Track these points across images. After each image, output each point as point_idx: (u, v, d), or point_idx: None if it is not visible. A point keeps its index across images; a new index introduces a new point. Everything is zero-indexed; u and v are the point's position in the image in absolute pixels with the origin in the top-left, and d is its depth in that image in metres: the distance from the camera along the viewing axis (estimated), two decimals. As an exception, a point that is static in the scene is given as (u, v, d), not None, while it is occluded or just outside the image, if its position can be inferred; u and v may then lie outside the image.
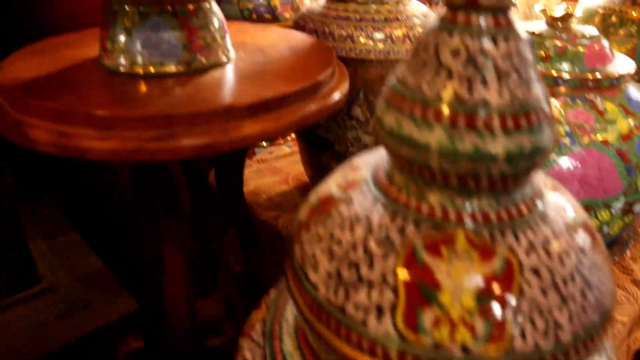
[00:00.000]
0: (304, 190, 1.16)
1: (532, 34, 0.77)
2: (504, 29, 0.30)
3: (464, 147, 0.29)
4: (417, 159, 0.31)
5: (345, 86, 0.74)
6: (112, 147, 0.57)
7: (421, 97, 0.30)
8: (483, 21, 0.30)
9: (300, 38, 0.84)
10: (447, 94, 0.29)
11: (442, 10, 0.32)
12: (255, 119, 0.60)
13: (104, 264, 1.01)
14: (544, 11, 0.78)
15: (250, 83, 0.65)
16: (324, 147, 1.00)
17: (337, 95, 0.70)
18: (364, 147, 0.99)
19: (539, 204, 0.34)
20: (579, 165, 0.68)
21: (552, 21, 0.77)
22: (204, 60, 0.69)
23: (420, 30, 0.94)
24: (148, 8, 0.65)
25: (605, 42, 0.77)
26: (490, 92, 0.29)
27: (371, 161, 0.38)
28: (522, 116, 0.29)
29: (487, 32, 0.30)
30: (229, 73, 0.68)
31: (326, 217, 0.34)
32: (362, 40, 0.91)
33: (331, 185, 0.37)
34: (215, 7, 0.71)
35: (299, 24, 0.99)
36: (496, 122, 0.29)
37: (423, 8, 1.00)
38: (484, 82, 0.29)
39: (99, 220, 1.11)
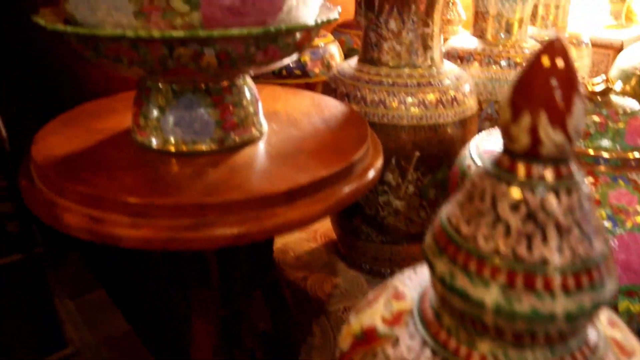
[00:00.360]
0: (332, 248, 1.15)
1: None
2: (566, 181, 0.28)
3: (521, 308, 0.27)
4: (469, 312, 0.29)
5: (379, 162, 0.72)
6: (144, 235, 0.56)
7: (477, 251, 0.29)
8: (544, 172, 0.28)
9: (333, 107, 0.83)
10: (505, 250, 0.28)
11: (500, 157, 0.31)
12: (291, 205, 0.58)
13: (129, 325, 1.00)
14: (583, 84, 0.76)
15: (284, 164, 0.64)
16: (354, 210, 0.99)
17: (371, 174, 0.69)
18: (395, 211, 0.97)
19: (597, 348, 0.32)
20: (622, 251, 0.65)
21: (591, 95, 0.76)
22: (237, 138, 0.68)
23: (452, 94, 0.93)
24: (182, 86, 0.65)
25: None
26: (551, 251, 0.27)
27: (416, 285, 0.37)
28: (583, 274, 0.28)
29: (548, 185, 0.28)
30: (262, 152, 0.67)
31: (371, 358, 0.33)
32: (394, 105, 0.90)
33: (375, 316, 0.35)
34: (249, 81, 0.70)
35: (330, 87, 0.98)
36: (556, 283, 0.27)
37: (456, 70, 0.99)
38: (544, 240, 0.28)
39: (127, 280, 1.10)
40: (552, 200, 0.28)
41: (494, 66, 1.18)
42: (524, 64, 1.13)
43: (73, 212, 0.58)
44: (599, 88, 0.75)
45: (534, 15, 1.47)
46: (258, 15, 0.56)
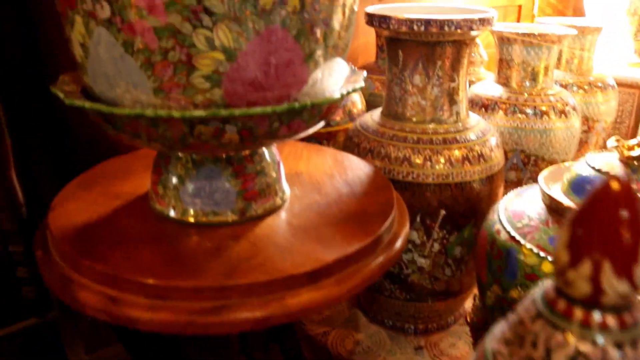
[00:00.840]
0: (354, 303, 1.12)
1: (604, 173, 0.72)
2: (630, 331, 0.26)
3: None
4: None
5: (406, 229, 0.70)
6: (162, 319, 0.53)
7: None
8: (606, 321, 0.25)
9: (356, 168, 0.81)
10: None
11: (554, 298, 0.28)
12: (315, 286, 0.56)
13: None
14: (618, 147, 0.74)
15: (307, 238, 0.62)
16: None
17: (399, 243, 0.66)
18: (419, 269, 0.94)
19: None
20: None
21: (626, 159, 0.73)
22: (259, 208, 0.66)
23: (479, 149, 0.90)
24: (202, 155, 0.63)
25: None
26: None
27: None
28: None
29: (611, 335, 0.25)
30: (284, 223, 0.65)
31: None
32: (419, 162, 0.88)
33: None
34: (273, 148, 0.68)
35: (353, 141, 0.96)
36: None
37: (482, 123, 0.97)
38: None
39: (144, 333, 1.08)
40: (614, 353, 0.25)
41: (519, 115, 1.15)
42: (550, 114, 1.10)
43: (89, 290, 0.56)
44: (635, 153, 0.72)
45: (558, 58, 1.45)
46: (282, 89, 0.54)
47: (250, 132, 0.54)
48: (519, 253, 0.70)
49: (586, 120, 1.42)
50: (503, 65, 1.21)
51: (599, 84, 1.45)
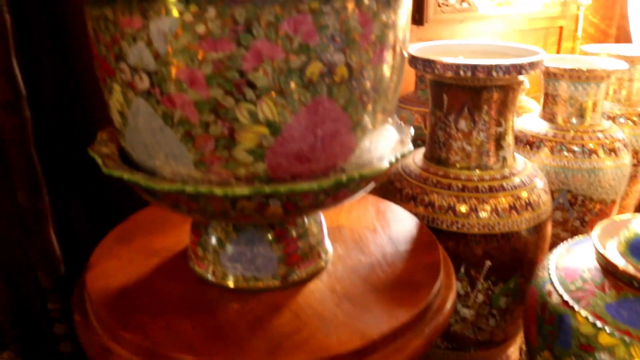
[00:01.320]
0: None
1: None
2: None
3: None
4: None
5: (454, 291, 0.66)
6: (202, 398, 0.51)
7: None
8: None
9: (399, 220, 0.78)
10: None
11: None
12: (361, 364, 0.53)
13: None
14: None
15: (352, 307, 0.59)
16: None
17: (448, 306, 0.63)
18: (462, 319, 0.90)
19: None
20: None
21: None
22: (301, 272, 0.63)
23: (526, 197, 0.87)
24: (243, 219, 0.60)
25: None
26: None
27: None
28: None
29: None
30: (327, 290, 0.62)
31: None
32: (464, 212, 0.84)
33: None
34: (315, 209, 0.65)
35: (395, 186, 0.93)
36: None
37: (529, 167, 0.93)
38: None
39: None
40: None
41: (566, 153, 1.11)
42: (599, 152, 1.06)
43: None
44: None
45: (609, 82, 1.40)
46: (328, 160, 0.51)
47: (295, 205, 0.51)
48: (573, 320, 0.66)
49: (635, 154, 1.37)
50: (548, 100, 1.16)
51: (648, 116, 1.39)
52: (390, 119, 0.59)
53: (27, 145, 0.64)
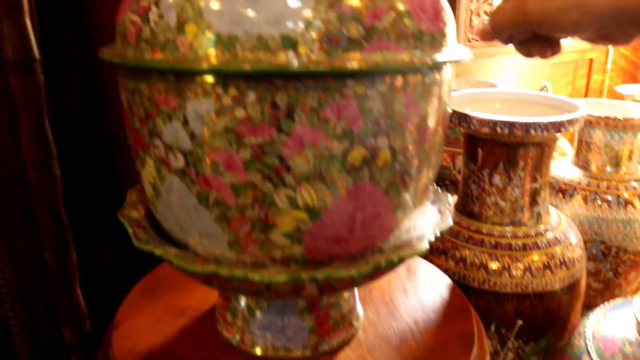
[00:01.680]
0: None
1: None
2: None
3: None
4: None
5: (487, 363, 0.64)
6: None
7: None
8: None
9: (432, 281, 0.76)
10: None
11: None
12: None
13: None
14: None
15: (384, 384, 0.57)
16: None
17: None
18: (494, 379, 0.87)
19: None
20: None
21: None
22: (332, 342, 0.61)
23: (561, 255, 0.84)
24: (274, 286, 0.59)
25: None
26: None
27: None
28: None
29: None
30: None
31: None
32: (496, 269, 0.82)
33: None
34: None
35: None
36: None
37: (564, 222, 0.90)
38: None
39: None
40: None
41: (600, 203, 1.08)
42: (635, 202, 1.03)
43: None
44: None
45: None
46: (366, 241, 0.49)
47: (331, 286, 0.50)
48: (616, 399, 0.64)
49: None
50: (582, 147, 1.14)
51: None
52: (430, 191, 0.57)
53: (56, 204, 0.62)
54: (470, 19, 1.59)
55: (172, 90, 0.43)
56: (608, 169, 1.12)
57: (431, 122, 0.49)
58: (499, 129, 0.79)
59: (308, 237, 0.47)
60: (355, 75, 0.42)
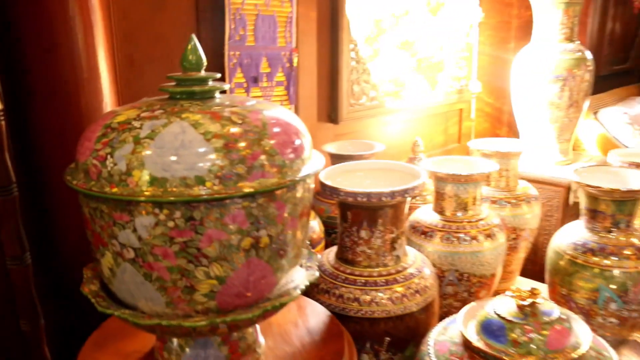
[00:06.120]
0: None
1: (504, 319, 0.94)
2: None
3: None
4: None
5: (354, 372, 0.90)
6: None
7: None
8: None
9: (316, 315, 1.02)
10: None
11: None
12: None
13: None
14: (514, 297, 0.96)
15: (279, 391, 0.82)
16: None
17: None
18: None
19: None
20: None
21: (521, 307, 0.95)
22: (241, 367, 0.86)
23: (416, 285, 1.12)
24: (198, 329, 0.83)
25: (566, 323, 0.94)
26: None
27: None
28: None
29: None
30: (261, 380, 0.85)
31: None
32: (367, 301, 1.09)
33: None
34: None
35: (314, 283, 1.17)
36: None
37: (419, 259, 1.19)
38: None
39: None
40: None
41: (453, 240, 1.38)
42: (479, 237, 1.33)
43: None
44: (527, 302, 0.94)
45: (488, 177, 1.70)
46: (258, 294, 0.76)
47: (236, 326, 0.75)
48: (442, 386, 0.92)
49: (514, 229, 1.67)
50: (439, 197, 1.44)
51: (524, 198, 1.70)
52: (303, 251, 0.84)
53: (29, 289, 0.85)
54: (352, 88, 1.90)
55: (125, 211, 0.69)
56: (458, 213, 1.43)
57: (296, 214, 0.76)
58: (359, 198, 1.07)
59: (219, 296, 0.72)
60: (242, 196, 0.68)
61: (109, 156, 0.69)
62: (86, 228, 0.77)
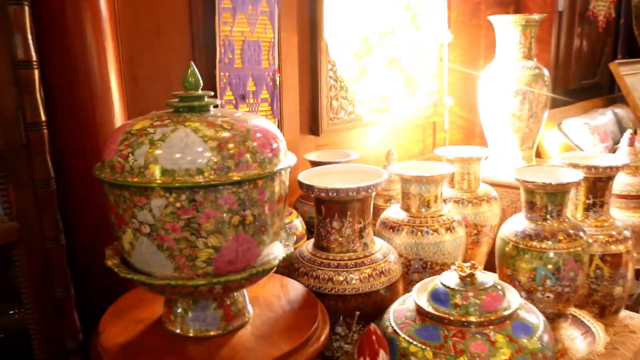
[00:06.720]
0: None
1: (449, 288, 1.16)
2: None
3: None
4: None
5: (326, 330, 1.12)
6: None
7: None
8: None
9: (295, 290, 1.24)
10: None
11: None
12: (271, 370, 0.97)
13: None
14: (457, 270, 1.18)
15: (265, 342, 1.03)
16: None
17: (322, 339, 1.08)
18: (345, 352, 1.35)
19: None
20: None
21: (462, 278, 1.17)
22: (234, 324, 1.07)
23: (382, 267, 1.34)
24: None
25: (500, 291, 1.15)
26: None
27: None
28: None
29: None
30: (250, 334, 1.06)
31: None
32: (339, 280, 1.31)
33: None
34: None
35: (294, 266, 1.39)
36: None
37: (385, 247, 1.41)
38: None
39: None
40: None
41: (418, 233, 1.60)
42: (440, 231, 1.55)
43: (135, 384, 0.97)
44: (466, 273, 1.16)
45: (452, 180, 1.92)
46: (245, 262, 0.97)
47: (229, 287, 0.97)
48: (397, 340, 1.13)
49: (476, 226, 1.89)
50: (405, 196, 1.66)
51: (484, 198, 1.92)
52: (282, 233, 1.06)
53: (63, 264, 1.07)
54: (331, 103, 2.13)
55: (143, 195, 0.90)
56: (422, 210, 1.64)
57: (274, 199, 0.98)
58: (330, 193, 1.29)
59: (215, 262, 0.94)
60: (231, 183, 0.90)
61: (130, 154, 0.91)
62: (110, 212, 0.98)
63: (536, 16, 2.33)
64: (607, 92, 4.24)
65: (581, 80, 3.97)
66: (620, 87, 3.54)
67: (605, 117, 3.33)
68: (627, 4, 4.28)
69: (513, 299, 1.17)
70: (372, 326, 0.95)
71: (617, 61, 3.68)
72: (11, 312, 1.32)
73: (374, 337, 0.96)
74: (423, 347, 1.10)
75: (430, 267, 1.61)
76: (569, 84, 3.79)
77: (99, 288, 1.22)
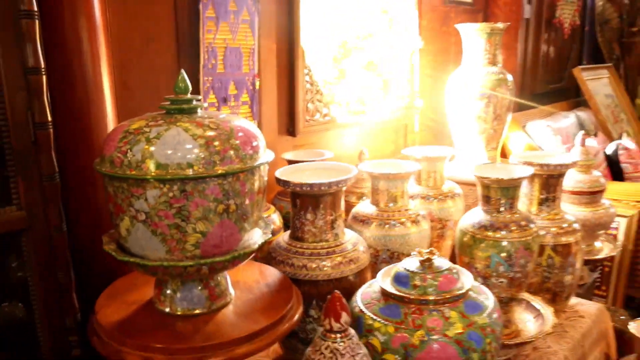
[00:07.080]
0: (280, 361, 1.64)
1: (409, 271, 1.30)
2: (349, 339, 0.83)
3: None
4: None
5: (300, 309, 1.25)
6: (172, 366, 1.07)
7: None
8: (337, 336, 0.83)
9: (272, 275, 1.37)
10: None
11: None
12: (250, 342, 1.11)
13: None
14: (416, 254, 1.32)
15: (246, 319, 1.17)
16: (292, 335, 1.50)
17: (296, 317, 1.22)
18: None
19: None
20: (432, 353, 1.19)
21: (422, 262, 1.31)
22: (218, 304, 1.21)
23: (351, 256, 1.48)
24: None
25: (455, 274, 1.30)
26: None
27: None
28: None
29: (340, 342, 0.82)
30: (232, 313, 1.20)
31: None
32: (313, 267, 1.44)
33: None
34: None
35: (272, 255, 1.52)
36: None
37: (354, 237, 1.55)
38: None
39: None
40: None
41: (385, 226, 1.74)
42: (406, 224, 1.70)
43: (133, 354, 1.09)
44: (424, 257, 1.31)
45: (419, 178, 2.07)
46: (229, 246, 1.11)
47: (214, 268, 1.10)
48: (364, 318, 1.27)
49: (440, 220, 2.04)
50: (374, 192, 1.81)
51: (449, 195, 2.07)
52: (261, 222, 1.19)
53: (65, 250, 1.19)
54: (307, 106, 2.27)
55: (139, 187, 1.03)
56: (390, 204, 1.79)
57: (254, 190, 1.12)
58: (304, 188, 1.43)
59: (202, 246, 1.07)
60: (217, 176, 1.04)
61: (128, 150, 1.03)
62: (109, 202, 1.11)
63: (500, 25, 2.50)
64: (574, 96, 4.43)
65: (549, 85, 4.16)
66: (583, 92, 3.73)
67: (568, 120, 3.52)
68: (591, 12, 4.48)
69: (466, 281, 1.32)
70: (337, 292, 1.09)
71: (580, 67, 3.87)
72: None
73: (337, 303, 1.10)
74: (386, 323, 1.24)
75: (397, 258, 1.74)
76: (537, 87, 3.98)
77: (95, 273, 1.35)
